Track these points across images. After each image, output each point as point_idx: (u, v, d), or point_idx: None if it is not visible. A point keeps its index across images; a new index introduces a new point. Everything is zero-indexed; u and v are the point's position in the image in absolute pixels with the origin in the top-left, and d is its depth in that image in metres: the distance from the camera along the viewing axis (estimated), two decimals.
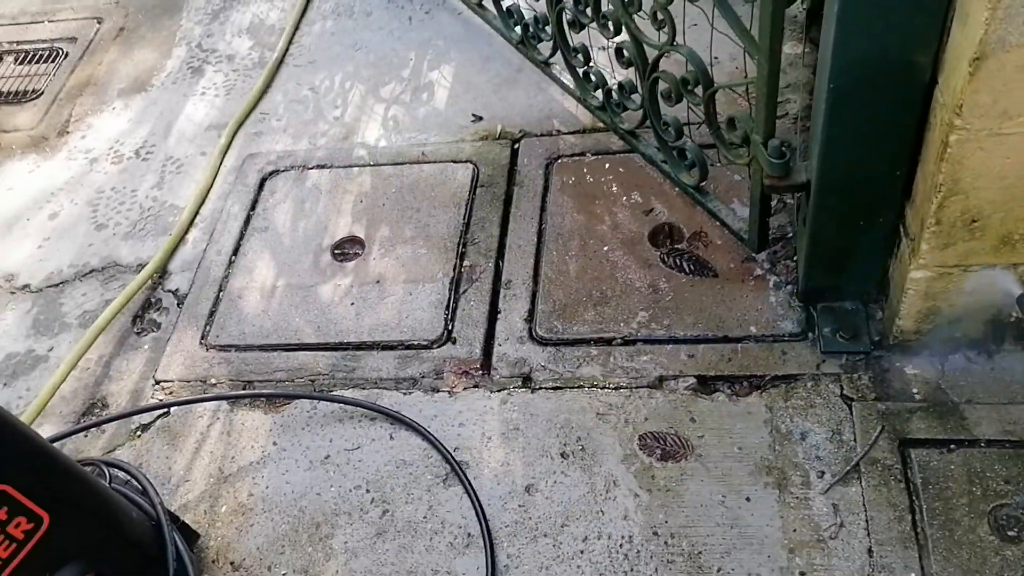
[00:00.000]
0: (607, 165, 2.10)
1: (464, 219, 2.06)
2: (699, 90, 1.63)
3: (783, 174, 1.53)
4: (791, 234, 1.86)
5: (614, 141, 2.13)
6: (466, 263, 1.98)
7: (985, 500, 1.44)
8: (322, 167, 2.27)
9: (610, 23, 1.77)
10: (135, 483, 1.40)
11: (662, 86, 1.74)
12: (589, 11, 1.82)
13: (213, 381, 1.87)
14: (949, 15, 1.18)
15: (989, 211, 1.33)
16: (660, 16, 1.58)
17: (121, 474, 1.46)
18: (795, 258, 1.81)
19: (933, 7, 1.18)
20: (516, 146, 2.20)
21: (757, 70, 1.43)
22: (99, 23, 2.96)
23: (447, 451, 1.65)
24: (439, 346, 1.84)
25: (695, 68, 1.59)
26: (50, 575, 1.14)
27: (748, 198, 1.91)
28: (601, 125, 2.16)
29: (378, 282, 1.98)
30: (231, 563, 1.58)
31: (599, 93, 2.05)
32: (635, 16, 1.67)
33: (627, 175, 2.06)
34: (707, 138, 1.72)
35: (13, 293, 2.15)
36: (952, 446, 1.51)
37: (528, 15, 2.18)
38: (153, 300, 2.07)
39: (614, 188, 2.04)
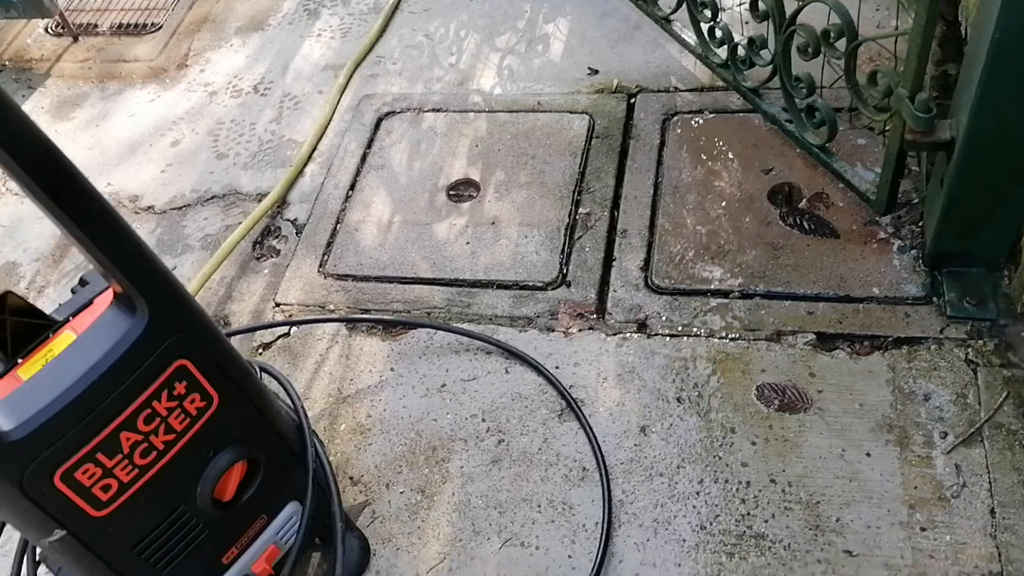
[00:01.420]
0: (725, 124, 2.09)
1: (580, 168, 2.07)
2: (841, 43, 1.61)
3: (928, 129, 1.51)
4: (915, 200, 1.83)
5: (733, 100, 2.12)
6: (581, 211, 1.99)
7: None
8: (437, 111, 2.30)
9: None
10: (279, 384, 1.45)
11: (798, 40, 1.73)
12: None
13: (331, 307, 1.92)
14: None
15: None
16: None
17: (265, 377, 1.51)
18: (920, 223, 1.78)
19: None
20: (632, 101, 2.21)
21: (914, 20, 1.41)
22: None
23: (563, 387, 1.67)
24: (554, 288, 1.86)
25: (841, 20, 1.57)
26: (213, 454, 1.18)
27: (871, 161, 1.89)
28: (720, 83, 2.15)
29: (493, 223, 2.00)
30: (350, 478, 1.63)
31: (723, 50, 2.04)
32: None
33: (746, 134, 2.05)
34: (832, 100, 1.70)
35: (137, 213, 2.22)
36: None
37: None
38: (272, 228, 2.13)
39: (732, 146, 2.03)
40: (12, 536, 1.60)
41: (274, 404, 1.30)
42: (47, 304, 2.05)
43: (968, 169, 1.50)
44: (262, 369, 1.40)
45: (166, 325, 1.09)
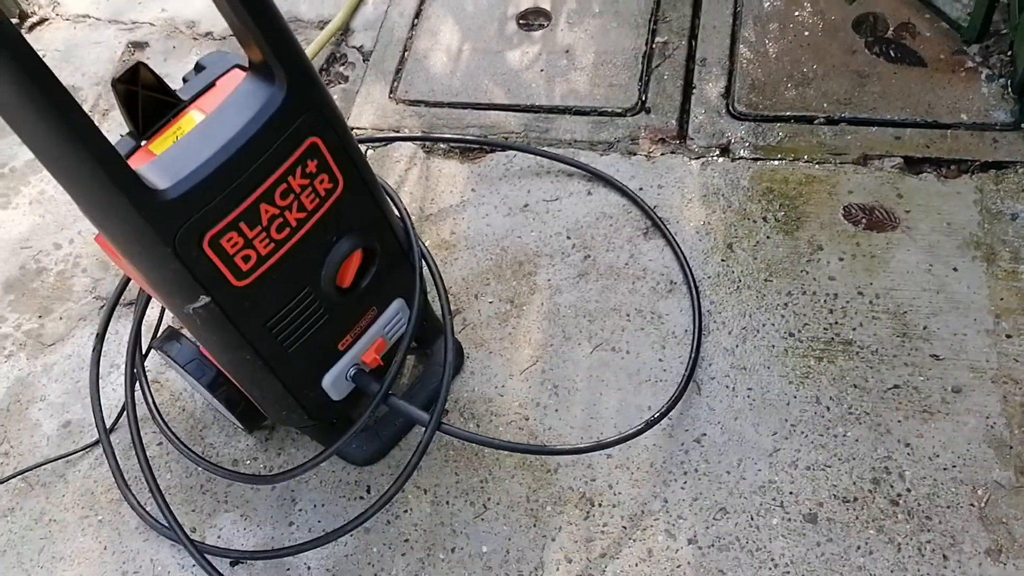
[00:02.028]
0: None
1: None
2: None
3: None
4: (1004, 31, 1.81)
5: None
6: (658, 39, 1.96)
7: None
8: None
9: None
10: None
11: None
12: None
13: (406, 131, 1.91)
14: None
15: None
16: None
17: None
18: (1010, 52, 1.77)
19: None
20: None
21: None
22: None
23: (648, 207, 1.69)
24: (633, 114, 1.85)
25: None
26: (336, 239, 1.20)
27: None
28: None
29: (567, 52, 1.97)
30: (446, 288, 1.66)
31: None
32: None
33: None
34: None
35: (196, 39, 2.18)
36: None
37: None
38: (338, 55, 2.09)
39: None
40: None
41: (386, 199, 1.31)
42: (114, 127, 2.04)
43: None
44: None
45: (302, 99, 1.09)
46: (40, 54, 0.84)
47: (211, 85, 1.22)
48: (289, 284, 1.19)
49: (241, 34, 1.05)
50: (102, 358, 1.60)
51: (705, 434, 1.44)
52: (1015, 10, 1.78)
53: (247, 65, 1.11)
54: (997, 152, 1.66)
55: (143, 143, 1.17)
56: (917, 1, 1.85)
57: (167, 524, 1.35)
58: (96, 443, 1.59)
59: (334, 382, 1.35)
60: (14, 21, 2.33)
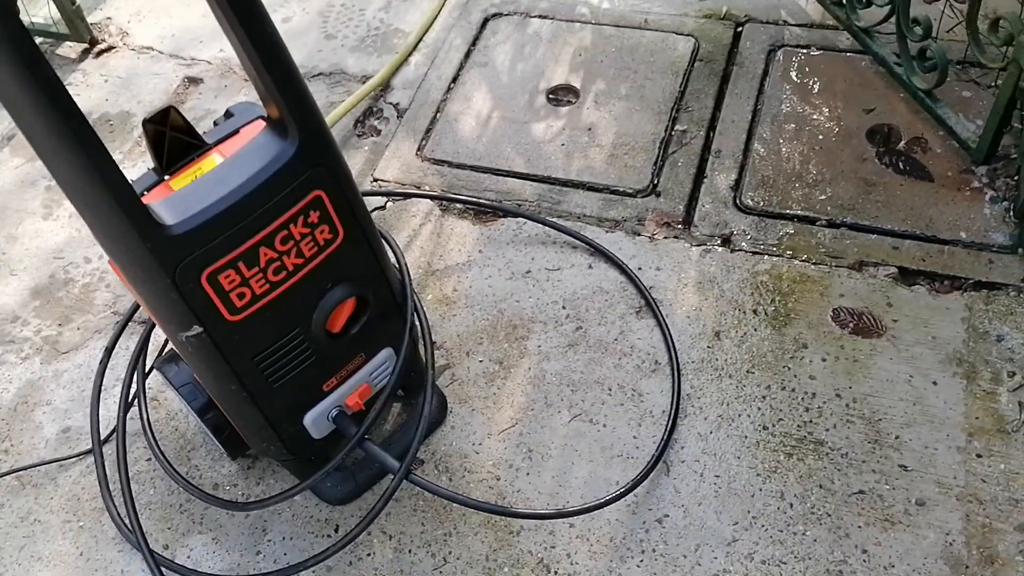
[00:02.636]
0: (831, 62, 2.11)
1: (680, 88, 2.11)
2: None
3: None
4: (1014, 155, 1.85)
5: (842, 39, 2.13)
6: (677, 127, 2.04)
7: None
8: (544, 17, 2.34)
9: None
10: (385, 240, 1.54)
11: None
12: None
13: (426, 188, 2.00)
14: None
15: None
16: None
17: None
18: (1016, 177, 1.80)
19: None
20: (739, 29, 2.23)
21: None
22: None
23: (644, 286, 1.75)
24: (643, 196, 1.92)
25: None
26: (331, 286, 1.28)
27: (973, 114, 1.91)
28: (831, 22, 2.16)
29: (589, 129, 2.06)
30: (434, 342, 1.73)
31: None
32: None
33: (851, 74, 2.07)
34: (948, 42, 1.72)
35: (246, 80, 2.31)
36: None
37: None
38: (375, 109, 2.20)
39: (835, 84, 2.06)
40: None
41: (385, 253, 1.39)
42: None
43: None
44: None
45: (311, 154, 1.17)
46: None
47: (235, 132, 1.31)
48: (280, 324, 1.26)
49: (261, 92, 1.15)
50: (110, 371, 1.69)
51: (668, 515, 1.47)
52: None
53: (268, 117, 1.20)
54: (991, 273, 1.69)
55: (165, 178, 1.27)
56: (931, 117, 1.91)
57: (131, 529, 1.41)
58: (89, 452, 1.67)
59: (315, 421, 1.41)
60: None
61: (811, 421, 1.55)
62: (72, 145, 0.96)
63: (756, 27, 2.22)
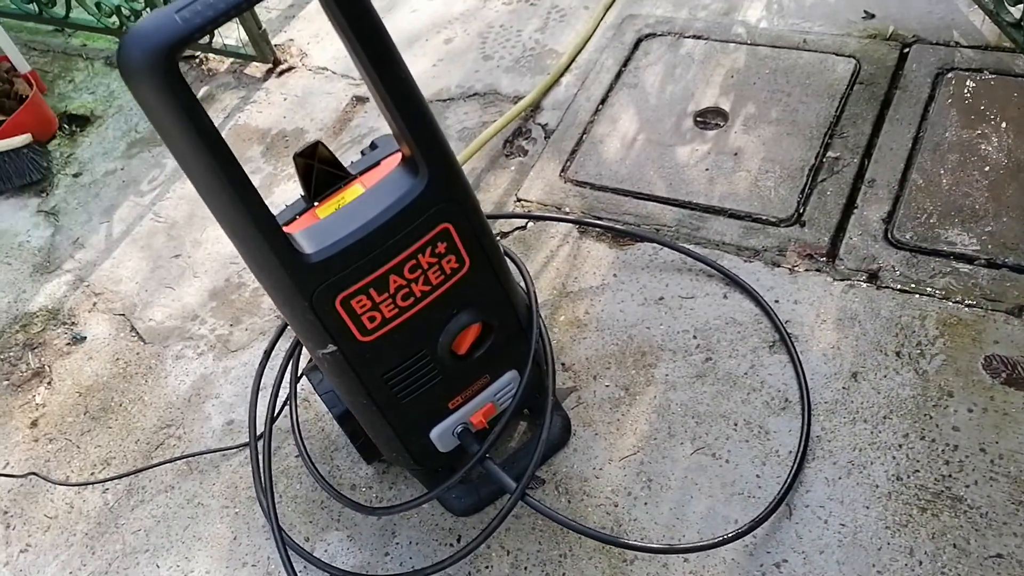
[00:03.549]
0: (1005, 87, 1.96)
1: (836, 112, 2.03)
2: None
3: None
4: None
5: (1019, 63, 1.98)
6: (830, 154, 1.97)
7: None
8: (698, 38, 2.32)
9: None
10: (516, 267, 1.60)
11: None
12: None
13: (567, 209, 2.04)
14: None
15: None
16: None
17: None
18: None
19: None
20: (906, 50, 2.11)
21: None
22: None
23: (779, 320, 1.70)
24: (787, 226, 1.87)
25: None
26: (457, 311, 1.35)
27: None
28: (1007, 44, 2.01)
29: (735, 154, 2.02)
30: (562, 364, 1.77)
31: (1018, 8, 1.90)
32: None
33: None
34: None
35: None
36: None
37: None
38: (524, 129, 2.27)
39: (1008, 111, 1.91)
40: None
41: (512, 281, 1.44)
42: None
43: None
44: (504, 252, 1.55)
45: (440, 190, 1.24)
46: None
47: (377, 163, 1.41)
48: (408, 345, 1.35)
49: (394, 131, 1.23)
50: (271, 372, 1.85)
51: (787, 560, 1.44)
52: None
53: None
54: None
55: (314, 205, 1.39)
56: None
57: (271, 521, 1.55)
58: (247, 444, 1.84)
59: (441, 435, 1.49)
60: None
61: (950, 475, 1.46)
62: (222, 183, 1.07)
63: (924, 48, 2.10)
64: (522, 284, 1.57)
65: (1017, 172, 1.80)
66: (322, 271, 1.20)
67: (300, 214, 1.37)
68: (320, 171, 1.36)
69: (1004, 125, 1.89)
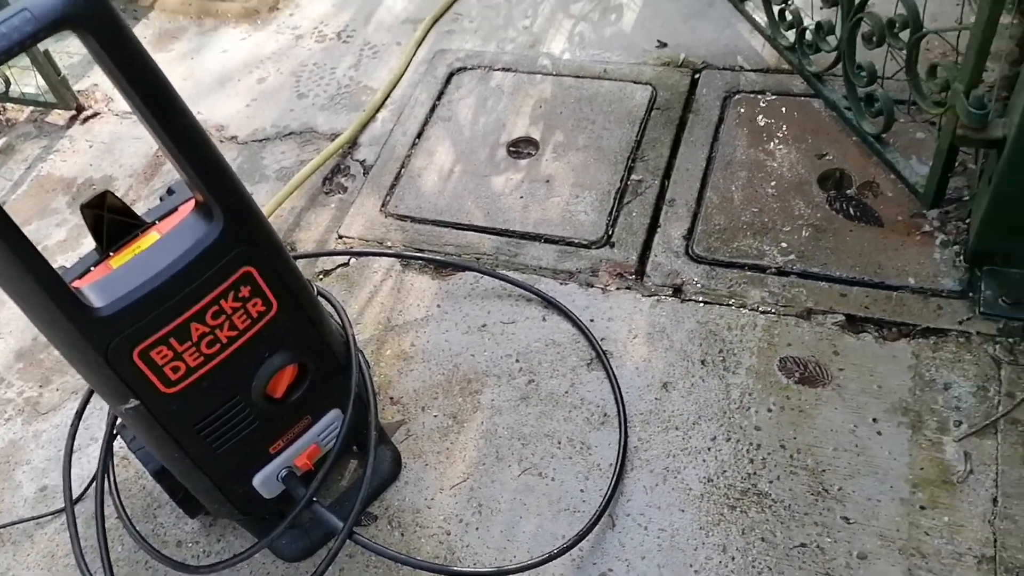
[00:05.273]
0: (786, 107, 2.14)
1: (636, 137, 2.15)
2: (905, 34, 1.65)
3: (980, 126, 1.55)
4: (966, 197, 1.86)
5: (796, 84, 2.17)
6: (633, 177, 2.08)
7: None
8: (507, 70, 2.40)
9: None
10: (331, 306, 1.59)
11: (864, 28, 1.77)
12: None
13: (389, 244, 2.05)
14: None
15: None
16: None
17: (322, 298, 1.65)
18: (967, 220, 1.82)
19: None
20: (696, 76, 2.27)
21: (977, 15, 1.45)
22: None
23: (595, 339, 1.77)
24: (598, 247, 1.95)
25: (907, 10, 1.61)
26: (269, 354, 1.32)
27: (927, 156, 1.92)
28: (785, 66, 2.20)
29: (547, 181, 2.10)
30: (390, 398, 1.77)
31: (791, 33, 2.09)
32: None
33: (804, 119, 2.10)
34: (893, 91, 1.75)
35: (222, 142, 2.38)
36: None
37: None
38: (342, 166, 2.26)
39: (789, 129, 2.09)
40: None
41: (326, 319, 1.43)
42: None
43: (1015, 169, 1.54)
44: (318, 292, 1.54)
45: (238, 234, 1.22)
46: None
47: (174, 209, 1.37)
48: (218, 393, 1.31)
49: (184, 178, 1.20)
50: (86, 431, 1.75)
51: (611, 569, 1.49)
52: (977, 179, 1.84)
53: None
54: (940, 319, 1.70)
55: (108, 256, 1.33)
56: (881, 162, 1.93)
57: None
58: (62, 510, 1.72)
59: (264, 482, 1.46)
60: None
61: (755, 473, 1.56)
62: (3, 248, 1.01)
63: (713, 73, 2.26)
64: (338, 321, 1.56)
65: (800, 185, 1.97)
66: (115, 324, 1.15)
67: (94, 266, 1.31)
68: (111, 221, 1.31)
69: (787, 142, 2.06)
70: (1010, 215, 1.63)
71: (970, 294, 1.72)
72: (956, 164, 1.80)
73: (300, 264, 2.01)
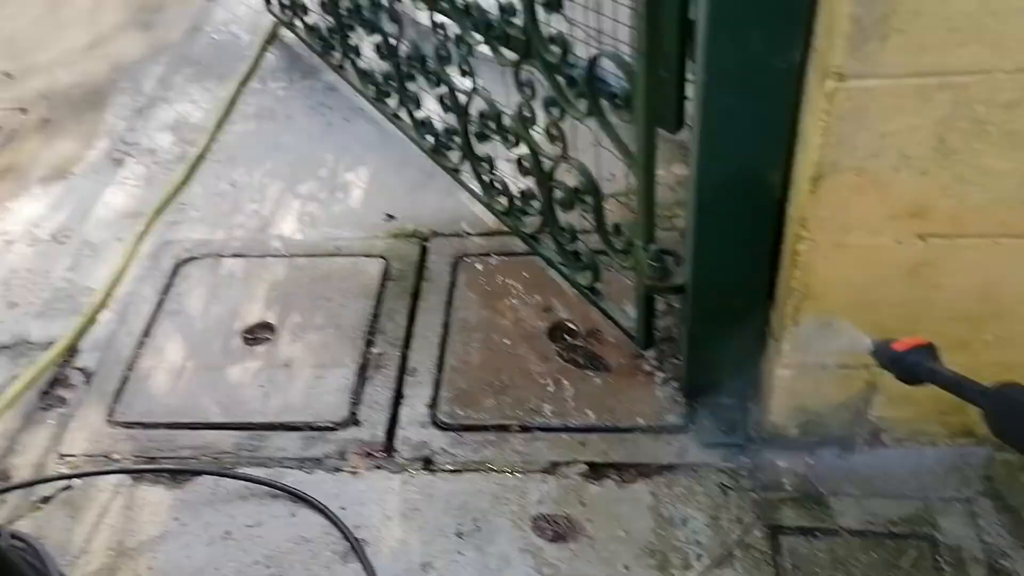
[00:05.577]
0: (511, 265, 2.26)
1: (373, 310, 2.17)
2: (589, 199, 1.81)
3: (661, 277, 1.71)
4: (676, 335, 2.03)
5: (518, 243, 2.30)
6: (373, 351, 2.08)
7: None
8: (237, 256, 2.36)
9: (511, 136, 1.96)
10: (33, 551, 1.41)
11: (558, 194, 1.93)
12: (493, 124, 2.01)
13: (117, 457, 1.89)
14: (794, 140, 1.40)
15: (838, 315, 1.52)
16: (553, 132, 1.77)
17: (18, 543, 1.46)
18: (680, 356, 1.97)
19: (779, 133, 1.39)
20: (426, 244, 2.35)
21: (636, 180, 1.62)
22: (23, 113, 3.03)
23: (347, 529, 1.71)
24: (344, 428, 1.91)
25: (585, 179, 1.78)
26: None
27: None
28: (506, 228, 2.33)
29: (287, 365, 2.05)
30: None
31: (503, 199, 2.23)
32: (533, 131, 1.87)
33: (529, 275, 2.22)
34: (600, 243, 1.90)
35: None
36: (818, 534, 1.66)
37: (439, 126, 2.37)
38: (61, 377, 2.08)
39: (517, 287, 2.19)
40: None
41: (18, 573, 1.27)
42: None
43: (699, 311, 1.70)
44: (14, 536, 1.37)
45: None
46: None
47: None
48: None
49: None
50: None
51: None
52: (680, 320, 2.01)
53: None
54: (670, 456, 1.80)
55: None
56: (598, 311, 2.07)
57: None
58: None
59: None
60: None
61: None
62: None
63: (441, 241, 2.35)
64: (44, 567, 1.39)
65: (532, 340, 2.05)
66: None
67: None
68: None
69: (515, 299, 2.16)
70: (706, 352, 1.78)
71: (691, 427, 1.85)
72: (662, 309, 1.96)
73: (14, 497, 1.80)
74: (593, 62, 1.58)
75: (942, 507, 1.67)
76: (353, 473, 1.82)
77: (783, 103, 1.36)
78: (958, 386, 1.12)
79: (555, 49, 1.67)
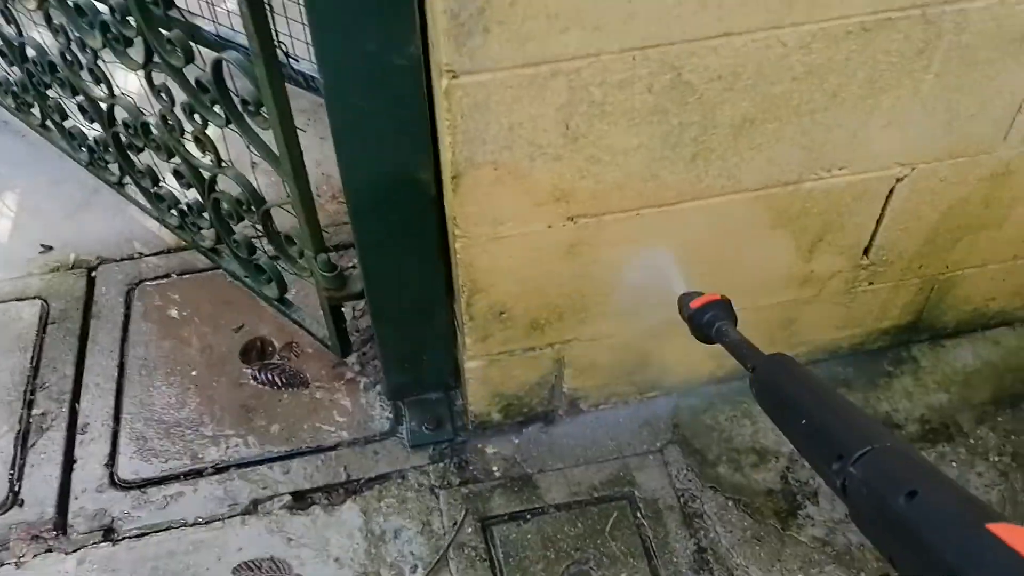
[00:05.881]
0: (193, 285, 2.05)
1: (32, 363, 1.88)
2: (255, 208, 1.65)
3: (339, 286, 1.59)
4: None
5: (200, 259, 2.08)
6: (35, 412, 1.80)
7: (558, 562, 1.57)
8: None
9: (161, 146, 1.75)
10: None
11: (224, 206, 1.74)
12: (140, 134, 1.78)
13: None
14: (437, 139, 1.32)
15: (511, 303, 1.48)
16: (202, 140, 1.59)
17: None
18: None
19: (420, 132, 1.30)
20: (93, 274, 2.07)
21: (291, 192, 1.48)
22: None
23: None
24: (4, 512, 1.64)
25: (243, 189, 1.61)
26: None
27: None
28: (185, 244, 2.11)
29: None
30: None
31: (175, 212, 2.00)
32: (184, 140, 1.67)
33: (215, 293, 2.02)
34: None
35: None
36: (528, 516, 1.64)
37: (93, 136, 2.08)
38: None
39: (202, 308, 1.99)
40: None
41: None
42: None
43: (381, 313, 1.61)
44: None
45: None
46: None
47: None
48: None
49: None
50: None
51: None
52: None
53: None
54: (378, 465, 1.71)
55: None
56: (292, 323, 1.92)
57: None
58: None
59: None
60: None
61: None
62: None
63: (111, 267, 2.08)
64: None
65: (223, 365, 1.87)
66: None
67: None
68: None
69: (201, 322, 1.96)
70: (399, 351, 1.70)
71: (399, 429, 1.77)
72: (359, 311, 1.85)
73: None
74: (217, 65, 1.41)
75: (638, 462, 1.71)
76: (18, 564, 1.57)
77: (416, 102, 1.27)
78: (738, 349, 1.08)
79: (179, 52, 1.48)
